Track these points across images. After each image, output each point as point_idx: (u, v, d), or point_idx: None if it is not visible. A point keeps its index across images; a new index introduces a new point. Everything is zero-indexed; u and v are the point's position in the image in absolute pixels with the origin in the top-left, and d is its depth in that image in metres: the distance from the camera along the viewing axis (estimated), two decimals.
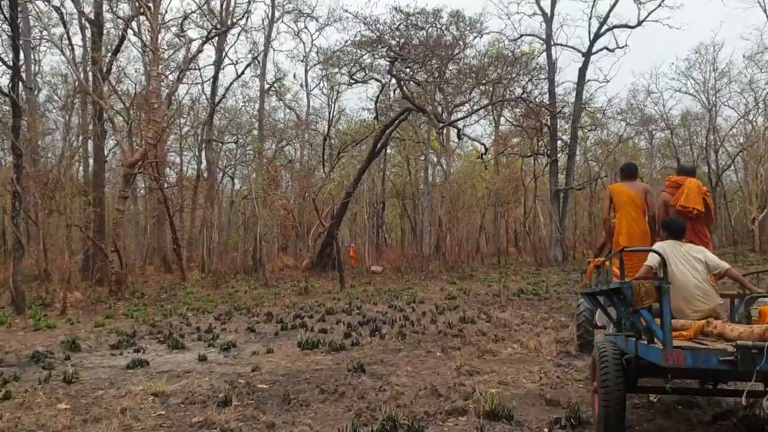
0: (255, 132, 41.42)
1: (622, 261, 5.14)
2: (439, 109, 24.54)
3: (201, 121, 39.73)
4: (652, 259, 5.44)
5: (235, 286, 24.08)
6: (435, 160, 48.87)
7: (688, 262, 5.44)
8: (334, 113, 27.41)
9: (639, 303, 4.61)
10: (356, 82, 27.53)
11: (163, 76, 22.91)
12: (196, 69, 31.09)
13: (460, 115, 26.99)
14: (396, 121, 24.32)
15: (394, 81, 25.82)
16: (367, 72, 26.47)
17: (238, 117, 45.25)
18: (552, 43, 31.70)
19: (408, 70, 22.55)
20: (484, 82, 24.47)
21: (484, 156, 26.21)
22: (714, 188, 50.96)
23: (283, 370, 8.93)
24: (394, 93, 27.81)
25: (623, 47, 32.52)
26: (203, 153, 39.01)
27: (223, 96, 39.38)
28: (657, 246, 5.59)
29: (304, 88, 43.70)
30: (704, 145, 52.44)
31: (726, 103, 52.18)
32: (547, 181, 53.98)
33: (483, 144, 24.72)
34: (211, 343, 11.70)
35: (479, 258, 35.72)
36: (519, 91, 28.89)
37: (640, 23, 31.21)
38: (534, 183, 48.41)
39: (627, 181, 7.74)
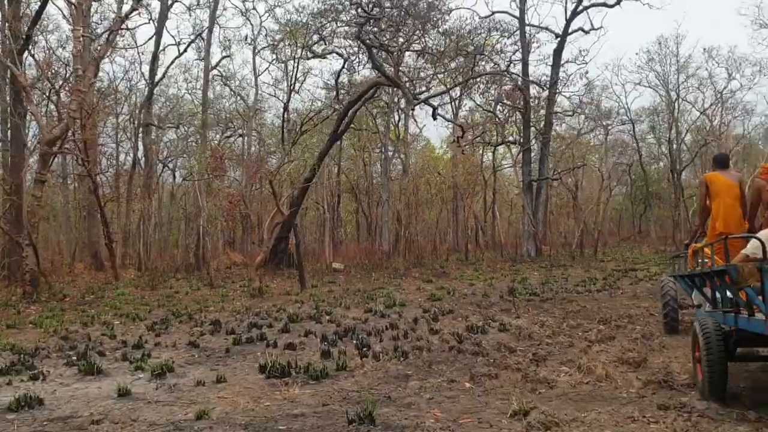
0: (198, 120, 38.02)
1: (726, 247, 5.72)
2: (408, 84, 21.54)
3: (139, 105, 35.94)
4: (751, 248, 5.78)
5: (174, 286, 20.73)
6: (390, 153, 46.34)
7: None
8: (297, 75, 23.87)
9: (743, 282, 5.12)
10: (315, 56, 24.42)
11: (89, 38, 19.36)
12: (127, 31, 27.26)
13: (431, 92, 24.06)
14: (363, 98, 21.37)
15: (358, 56, 22.92)
16: (327, 44, 23.40)
17: (180, 106, 41.52)
18: (526, 22, 29.30)
19: (379, 36, 19.57)
20: (466, 52, 21.70)
21: (461, 139, 23.53)
22: (675, 183, 50.06)
23: (244, 414, 5.95)
24: (351, 72, 24.81)
25: (598, 29, 30.43)
26: (140, 138, 35.12)
27: (163, 75, 35.67)
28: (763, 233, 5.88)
29: (252, 71, 40.52)
30: (667, 140, 51.44)
31: (685, 98, 51.03)
32: (508, 174, 52.34)
33: (461, 126, 21.97)
34: (140, 365, 8.57)
35: (444, 253, 33.08)
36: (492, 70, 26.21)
37: (618, 2, 29.10)
38: (493, 176, 46.51)
39: (721, 170, 7.96)
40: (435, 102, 24.15)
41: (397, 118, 42.81)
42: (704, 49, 63.38)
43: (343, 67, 23.67)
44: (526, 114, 28.62)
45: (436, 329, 10.27)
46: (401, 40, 20.22)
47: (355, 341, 9.69)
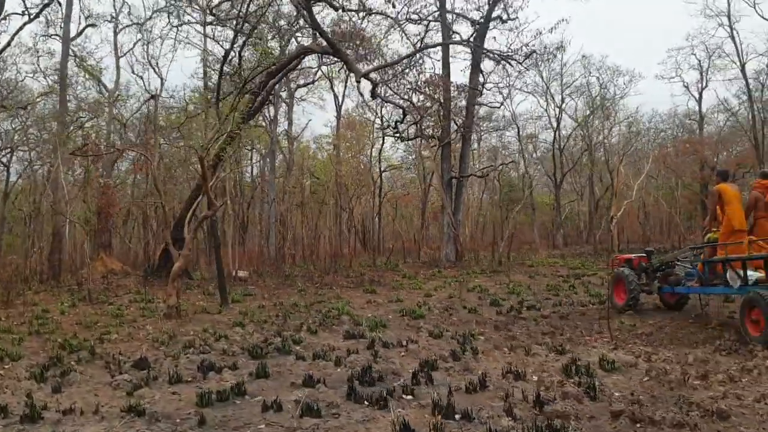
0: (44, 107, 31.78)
1: None
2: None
3: None
4: None
5: (37, 302, 15.57)
6: (264, 151, 42.66)
7: None
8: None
9: None
10: (215, 20, 20.04)
11: None
12: None
13: (376, 64, 20.36)
14: (286, 68, 17.33)
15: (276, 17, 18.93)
16: (233, 6, 19.15)
17: (19, 92, 34.67)
18: (446, 6, 26.54)
19: None
20: (418, 18, 18.38)
21: (399, 124, 20.28)
22: (558, 188, 50.21)
23: None
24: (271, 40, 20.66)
25: (513, 19, 28.25)
26: None
27: (8, 44, 29.12)
28: None
29: (114, 52, 34.67)
30: (551, 146, 51.47)
31: (560, 107, 51.16)
32: (387, 176, 49.87)
33: (403, 108, 18.52)
34: None
35: (348, 259, 29.61)
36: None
37: None
38: (380, 177, 44.16)
39: (726, 182, 10.45)
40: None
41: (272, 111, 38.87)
42: (583, 56, 65.09)
43: (249, 35, 19.48)
44: (444, 105, 25.80)
45: (509, 369, 6.92)
46: None
47: (407, 397, 6.12)
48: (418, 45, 23.29)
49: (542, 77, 49.22)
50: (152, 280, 19.24)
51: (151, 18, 32.62)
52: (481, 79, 27.26)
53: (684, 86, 44.51)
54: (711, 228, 10.50)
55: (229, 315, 12.93)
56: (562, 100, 49.55)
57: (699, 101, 45.30)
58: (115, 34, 34.54)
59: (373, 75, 17.36)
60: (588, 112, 50.13)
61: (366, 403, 6.01)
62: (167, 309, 11.98)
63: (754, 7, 27.52)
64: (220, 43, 20.76)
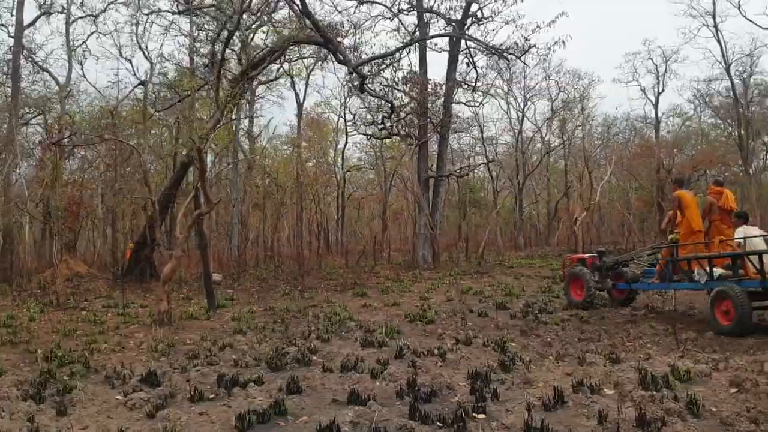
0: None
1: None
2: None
3: None
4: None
5: None
6: (218, 150, 41.28)
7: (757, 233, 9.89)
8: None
9: None
10: (183, 9, 18.86)
11: None
12: None
13: (368, 56, 19.45)
14: (270, 58, 16.27)
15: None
16: None
17: None
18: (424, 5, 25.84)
19: None
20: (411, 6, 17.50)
21: (386, 120, 19.52)
22: (520, 191, 50.25)
23: None
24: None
25: (488, 18, 27.74)
26: None
27: None
28: (741, 231, 9.84)
29: (66, 45, 32.76)
30: (513, 149, 51.50)
31: (520, 110, 51.23)
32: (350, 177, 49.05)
33: (392, 102, 17.63)
34: None
35: (314, 260, 28.72)
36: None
37: None
38: (344, 178, 43.61)
39: (683, 188, 11.47)
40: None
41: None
42: (543, 58, 65.23)
43: (224, 26, 18.41)
44: (420, 103, 25.12)
45: (579, 382, 6.27)
46: None
47: (479, 416, 5.43)
48: (404, 41, 22.56)
49: (503, 79, 49.24)
50: (121, 283, 18.03)
51: (105, 10, 31.32)
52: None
53: (641, 90, 45.25)
54: (673, 230, 11.37)
55: (220, 321, 12.00)
56: (525, 103, 49.64)
57: (656, 105, 46.19)
58: (67, 25, 32.72)
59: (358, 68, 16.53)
60: (549, 115, 50.41)
61: (438, 424, 5.27)
62: (158, 315, 10.94)
63: (738, 8, 27.64)
64: (226, 25, 19.57)
